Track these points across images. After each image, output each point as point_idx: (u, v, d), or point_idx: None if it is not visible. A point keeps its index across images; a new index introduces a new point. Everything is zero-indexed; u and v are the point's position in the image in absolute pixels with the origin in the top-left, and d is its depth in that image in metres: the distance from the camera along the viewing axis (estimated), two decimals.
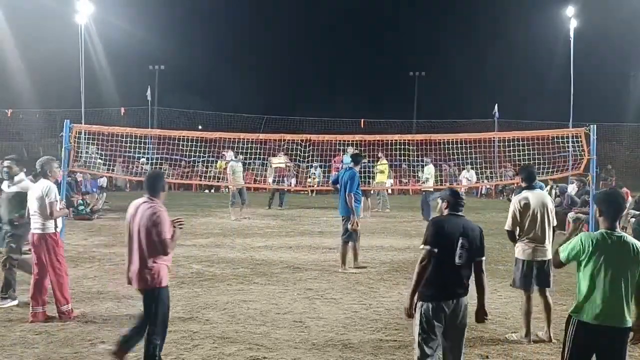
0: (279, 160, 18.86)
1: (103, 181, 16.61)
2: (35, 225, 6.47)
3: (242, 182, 16.13)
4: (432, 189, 16.21)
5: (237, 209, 15.67)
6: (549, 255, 5.94)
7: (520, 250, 5.97)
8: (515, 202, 5.99)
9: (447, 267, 4.25)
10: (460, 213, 4.41)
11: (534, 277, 5.90)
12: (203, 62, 42.86)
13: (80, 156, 13.70)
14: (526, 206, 5.88)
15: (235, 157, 16.17)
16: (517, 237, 5.98)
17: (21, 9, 26.46)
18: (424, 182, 16.67)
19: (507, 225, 5.97)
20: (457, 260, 4.24)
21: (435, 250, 4.25)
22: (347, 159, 19.65)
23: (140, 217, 4.77)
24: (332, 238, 12.19)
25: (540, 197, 6.03)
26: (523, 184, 6.18)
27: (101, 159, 15.00)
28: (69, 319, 6.30)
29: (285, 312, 6.79)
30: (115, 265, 9.22)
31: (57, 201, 6.45)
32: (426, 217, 15.83)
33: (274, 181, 18.44)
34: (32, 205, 6.48)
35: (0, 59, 28.11)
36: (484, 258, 4.41)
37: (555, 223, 6.09)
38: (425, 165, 16.41)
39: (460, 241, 4.25)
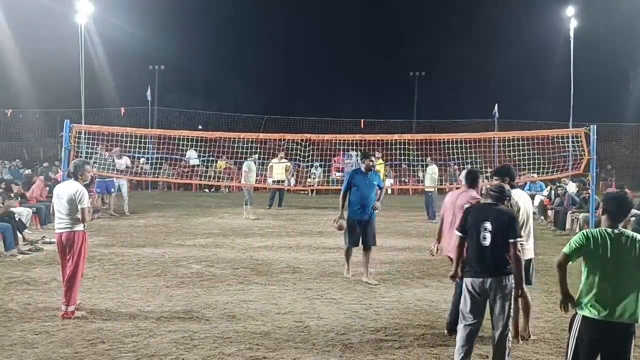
0: (280, 161, 18.83)
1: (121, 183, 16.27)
2: (62, 224, 6.53)
3: (254, 181, 16.26)
4: (434, 189, 16.25)
5: (249, 208, 15.85)
6: (531, 255, 5.90)
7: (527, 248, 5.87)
8: (523, 200, 5.86)
9: (476, 248, 4.92)
10: (494, 202, 5.03)
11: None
12: (203, 62, 42.86)
13: (88, 156, 13.73)
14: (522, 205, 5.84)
15: (248, 158, 16.37)
16: None
17: (21, 9, 26.45)
18: (422, 182, 16.71)
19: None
20: (482, 241, 4.87)
21: (460, 234, 5.05)
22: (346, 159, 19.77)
23: (459, 200, 5.99)
24: (332, 238, 12.19)
25: (526, 196, 6.07)
26: (511, 183, 5.93)
27: (108, 160, 14.99)
28: (69, 318, 6.30)
29: (285, 312, 6.79)
30: (115, 265, 9.23)
31: (88, 207, 6.59)
32: (431, 217, 15.90)
33: (274, 181, 18.46)
34: (61, 205, 6.53)
35: (0, 59, 28.10)
36: (514, 240, 4.86)
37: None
38: (429, 165, 16.41)
39: (483, 225, 4.87)
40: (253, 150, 16.23)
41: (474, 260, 4.93)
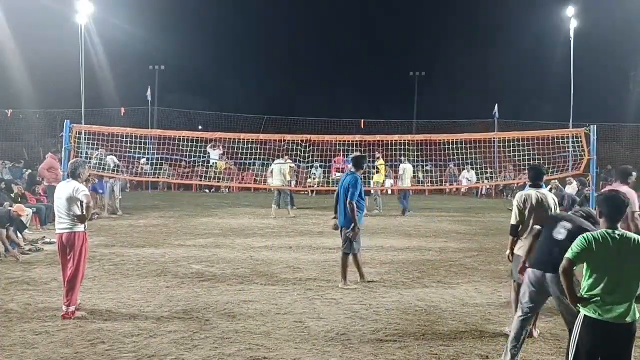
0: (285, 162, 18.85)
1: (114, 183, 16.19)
2: (63, 225, 6.55)
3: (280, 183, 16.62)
4: (408, 188, 17.36)
5: (288, 208, 16.44)
6: None
7: (519, 245, 6.03)
8: (517, 197, 6.17)
9: (547, 242, 5.07)
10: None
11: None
12: (203, 62, 42.86)
13: (83, 155, 13.71)
14: (526, 202, 6.02)
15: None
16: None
17: (21, 9, 26.45)
18: (422, 182, 17.23)
19: (512, 219, 6.10)
20: (555, 235, 5.03)
21: (538, 227, 5.43)
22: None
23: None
24: (332, 238, 12.18)
25: (542, 195, 6.13)
26: (529, 182, 6.39)
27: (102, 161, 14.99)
28: (69, 319, 6.30)
29: (285, 312, 6.79)
30: (115, 265, 9.23)
31: (87, 194, 6.61)
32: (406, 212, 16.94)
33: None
34: (61, 205, 6.54)
35: (0, 59, 28.09)
36: None
37: None
38: (401, 163, 17.14)
39: (562, 222, 5.07)
40: (253, 150, 16.22)
41: (540, 251, 5.12)
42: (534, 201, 5.99)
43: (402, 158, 17.02)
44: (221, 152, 22.46)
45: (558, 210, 6.17)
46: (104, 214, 15.65)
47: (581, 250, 3.86)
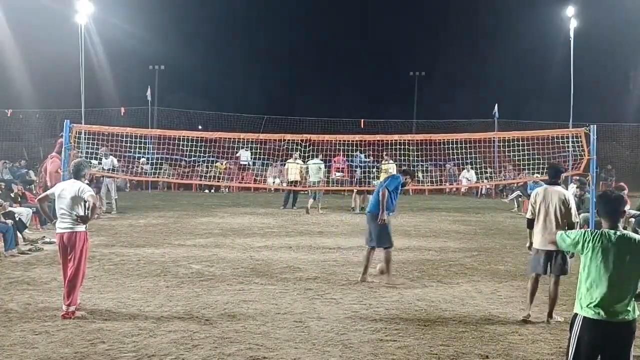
0: (295, 162, 18.80)
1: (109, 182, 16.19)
2: (64, 224, 6.56)
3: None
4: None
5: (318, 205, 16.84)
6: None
7: (535, 238, 6.66)
8: (532, 194, 6.87)
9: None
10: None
11: (543, 264, 6.56)
12: (203, 62, 42.87)
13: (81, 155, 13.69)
14: (538, 198, 6.64)
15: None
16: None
17: (21, 9, 26.46)
18: (422, 182, 17.22)
19: (527, 214, 6.82)
20: None
21: None
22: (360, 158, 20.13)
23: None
24: (332, 238, 12.20)
25: (555, 192, 6.61)
26: (548, 180, 6.95)
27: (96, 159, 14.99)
28: (69, 318, 6.30)
29: (285, 312, 6.79)
30: (115, 265, 9.23)
31: (93, 194, 6.65)
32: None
33: (289, 182, 18.56)
34: (63, 204, 6.54)
35: (0, 59, 28.09)
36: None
37: (576, 220, 6.57)
38: (386, 162, 17.19)
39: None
40: (253, 150, 16.24)
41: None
42: (542, 196, 6.60)
43: (386, 158, 17.00)
44: (249, 153, 22.51)
45: (572, 205, 6.54)
46: (102, 210, 15.67)
47: (577, 240, 3.91)
